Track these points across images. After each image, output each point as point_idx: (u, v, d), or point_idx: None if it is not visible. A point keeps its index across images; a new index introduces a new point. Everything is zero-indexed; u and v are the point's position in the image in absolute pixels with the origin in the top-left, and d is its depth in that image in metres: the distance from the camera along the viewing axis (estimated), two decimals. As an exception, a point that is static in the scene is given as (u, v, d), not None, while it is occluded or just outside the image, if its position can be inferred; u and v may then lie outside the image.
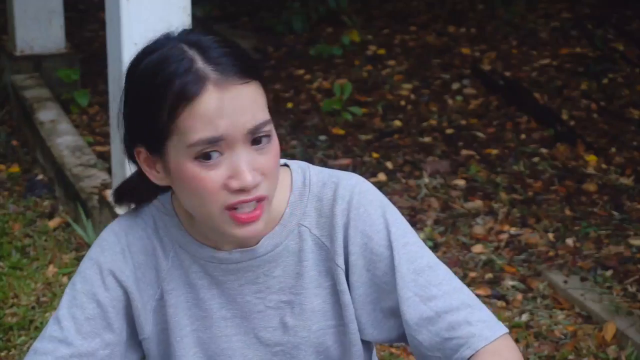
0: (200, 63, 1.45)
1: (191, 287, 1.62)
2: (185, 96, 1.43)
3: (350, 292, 1.61)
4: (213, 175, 1.45)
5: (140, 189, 1.63)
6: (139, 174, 1.60)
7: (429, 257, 1.62)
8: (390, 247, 1.60)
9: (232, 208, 1.47)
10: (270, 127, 1.48)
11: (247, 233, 1.50)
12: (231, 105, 1.44)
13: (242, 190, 1.46)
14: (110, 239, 1.68)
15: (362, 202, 1.60)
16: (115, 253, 1.64)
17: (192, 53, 1.46)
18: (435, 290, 1.56)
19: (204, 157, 1.45)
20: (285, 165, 1.64)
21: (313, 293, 1.62)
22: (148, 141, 1.50)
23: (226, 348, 1.64)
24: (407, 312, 1.56)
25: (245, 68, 1.47)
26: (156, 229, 1.62)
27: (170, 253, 1.62)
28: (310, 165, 1.65)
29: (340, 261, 1.60)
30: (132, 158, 1.56)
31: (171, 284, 1.62)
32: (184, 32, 1.52)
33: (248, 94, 1.46)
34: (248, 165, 1.45)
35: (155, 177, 1.53)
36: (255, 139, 1.46)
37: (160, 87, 1.45)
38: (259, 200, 1.48)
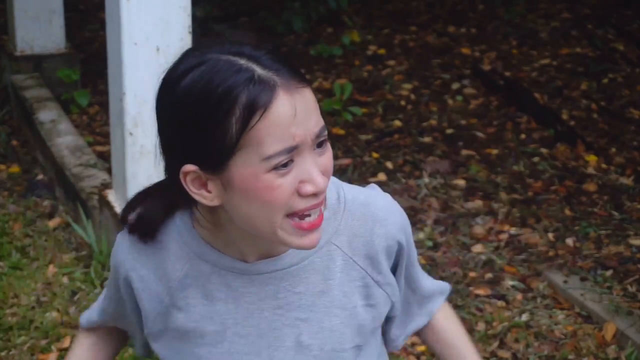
0: (260, 70, 1.39)
1: (208, 298, 1.57)
2: (259, 105, 1.36)
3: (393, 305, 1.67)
4: (286, 183, 1.40)
5: (160, 217, 1.56)
6: (159, 198, 1.56)
7: None
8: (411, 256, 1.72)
9: (296, 216, 1.43)
10: (326, 132, 1.46)
11: (309, 242, 1.46)
12: (301, 109, 1.39)
13: (312, 195, 1.42)
14: (118, 249, 1.64)
15: (399, 222, 1.67)
16: (125, 261, 1.61)
17: (245, 62, 1.40)
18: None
19: (280, 166, 1.39)
20: None
21: (333, 313, 1.58)
22: (205, 159, 1.41)
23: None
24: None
25: (300, 72, 1.43)
26: (177, 239, 1.57)
27: (186, 264, 1.56)
28: (343, 182, 1.62)
29: (378, 277, 1.60)
30: (173, 181, 1.46)
31: (185, 291, 1.58)
32: (218, 45, 1.44)
33: (310, 97, 1.42)
34: (317, 169, 1.42)
35: (205, 197, 1.44)
36: (318, 142, 1.43)
37: (223, 101, 1.36)
38: (322, 203, 1.46)
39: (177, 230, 1.56)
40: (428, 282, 1.77)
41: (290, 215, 1.42)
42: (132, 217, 1.58)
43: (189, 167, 1.41)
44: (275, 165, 1.38)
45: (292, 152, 1.38)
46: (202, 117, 1.38)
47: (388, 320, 1.70)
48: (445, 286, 1.81)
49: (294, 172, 1.40)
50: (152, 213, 1.56)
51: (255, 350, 1.59)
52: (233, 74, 1.37)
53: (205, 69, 1.39)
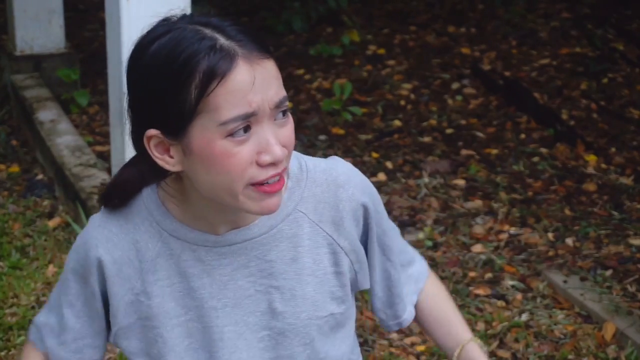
0: (223, 40, 1.44)
1: (182, 276, 1.59)
2: (217, 72, 1.41)
3: (370, 272, 1.67)
4: (244, 151, 1.44)
5: (130, 184, 1.59)
6: (132, 167, 1.58)
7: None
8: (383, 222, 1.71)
9: (259, 183, 1.47)
10: (287, 103, 1.50)
11: (270, 206, 1.49)
12: (260, 79, 1.43)
13: (271, 165, 1.46)
14: (89, 232, 1.62)
15: (363, 186, 1.67)
16: (98, 244, 1.60)
17: (210, 32, 1.45)
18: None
19: (236, 133, 1.43)
20: None
21: (305, 280, 1.61)
22: (166, 124, 1.46)
23: (217, 339, 1.62)
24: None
25: (264, 44, 1.48)
26: (148, 218, 1.59)
27: (158, 243, 1.59)
28: (304, 155, 1.66)
29: (344, 244, 1.61)
30: (138, 147, 1.52)
31: (157, 274, 1.59)
32: (187, 16, 1.51)
33: (272, 68, 1.47)
34: (275, 139, 1.46)
35: (168, 162, 1.50)
36: (277, 113, 1.47)
37: (184, 67, 1.42)
38: (283, 172, 1.50)
39: (147, 209, 1.58)
40: (407, 250, 1.78)
41: (252, 184, 1.47)
42: (106, 187, 1.63)
43: (152, 132, 1.47)
44: (230, 130, 1.42)
45: (248, 119, 1.43)
46: (164, 83, 1.44)
47: (372, 295, 1.73)
48: (421, 259, 1.82)
49: (251, 141, 1.44)
50: (123, 180, 1.59)
51: (232, 320, 1.61)
52: (196, 42, 1.43)
53: (171, 36, 1.45)
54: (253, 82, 1.42)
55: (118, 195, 1.60)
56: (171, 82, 1.43)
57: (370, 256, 1.67)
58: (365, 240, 1.67)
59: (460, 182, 4.46)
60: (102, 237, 1.59)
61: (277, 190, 1.48)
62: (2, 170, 4.67)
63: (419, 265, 1.78)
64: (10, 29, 5.41)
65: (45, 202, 4.32)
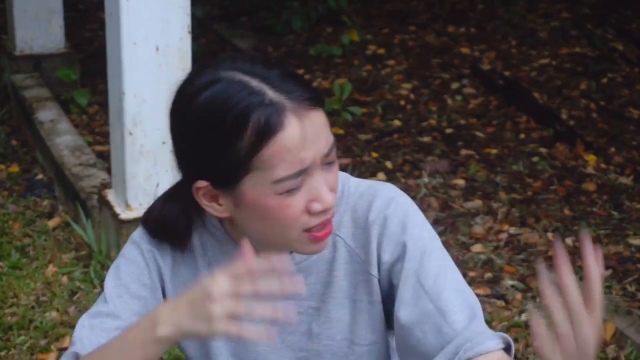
0: (271, 93, 1.40)
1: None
2: (268, 131, 1.39)
3: (396, 304, 1.57)
4: (296, 202, 1.44)
5: (181, 224, 1.60)
6: (175, 203, 1.59)
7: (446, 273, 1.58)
8: (418, 259, 1.57)
9: (313, 229, 1.48)
10: (335, 151, 1.48)
11: (319, 248, 1.52)
12: (311, 132, 1.41)
13: (323, 211, 1.47)
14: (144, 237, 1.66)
15: (397, 213, 1.58)
16: (152, 246, 1.64)
17: (257, 83, 1.41)
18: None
19: (286, 192, 1.43)
20: None
21: (340, 303, 1.61)
22: (216, 177, 1.45)
23: (252, 351, 1.64)
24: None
25: (312, 93, 1.44)
26: (204, 251, 1.62)
27: (208, 260, 1.62)
28: (351, 177, 1.64)
29: (375, 271, 1.59)
30: (187, 192, 1.51)
31: (183, 276, 1.63)
32: (230, 61, 1.46)
33: (321, 117, 1.44)
34: (326, 187, 1.46)
35: (216, 210, 1.49)
36: (327, 160, 1.47)
37: (234, 124, 1.39)
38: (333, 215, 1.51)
39: (211, 235, 1.60)
40: (457, 311, 1.53)
41: (306, 230, 1.47)
42: (152, 219, 1.64)
43: (201, 184, 1.47)
44: (285, 188, 1.42)
45: (300, 176, 1.42)
46: (213, 138, 1.41)
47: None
48: (497, 335, 1.52)
49: (303, 191, 1.44)
50: (173, 218, 1.60)
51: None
52: (245, 97, 1.39)
53: (218, 88, 1.41)
54: (305, 138, 1.40)
55: (170, 234, 1.61)
56: (221, 138, 1.40)
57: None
58: (395, 270, 1.59)
59: (460, 182, 4.46)
60: (160, 257, 1.64)
61: (327, 235, 1.50)
62: (2, 170, 4.67)
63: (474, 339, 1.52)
64: (10, 29, 5.41)
65: (45, 202, 4.31)
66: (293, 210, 1.44)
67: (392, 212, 1.57)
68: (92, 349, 1.53)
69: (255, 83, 1.40)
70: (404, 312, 1.54)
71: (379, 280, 1.59)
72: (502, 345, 1.51)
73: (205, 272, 1.60)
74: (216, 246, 1.60)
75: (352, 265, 1.60)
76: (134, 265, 1.62)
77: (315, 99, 1.43)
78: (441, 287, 1.54)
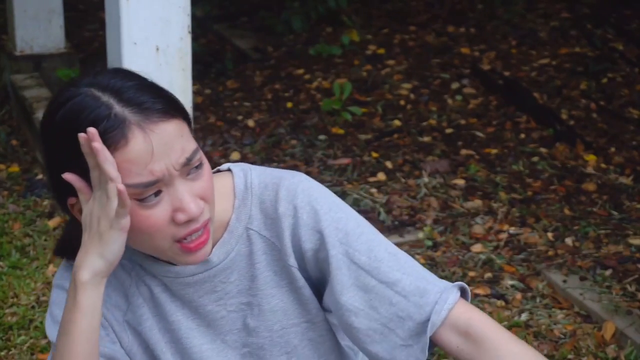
0: (117, 108, 1.43)
1: (155, 302, 1.64)
2: (112, 143, 1.42)
3: (320, 286, 1.62)
4: (158, 213, 1.46)
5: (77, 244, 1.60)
6: (71, 229, 1.61)
7: (378, 248, 1.58)
8: (339, 244, 1.58)
9: (182, 239, 1.49)
10: (200, 155, 1.49)
11: (198, 259, 1.52)
12: (159, 145, 1.43)
13: (189, 221, 1.47)
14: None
15: (306, 201, 1.58)
16: None
17: (107, 98, 1.44)
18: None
19: (147, 199, 1.45)
20: (229, 170, 1.65)
21: (269, 293, 1.63)
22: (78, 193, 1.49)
23: (198, 358, 1.66)
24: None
25: (165, 104, 1.46)
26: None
27: (132, 272, 1.63)
28: (253, 167, 1.65)
29: (292, 260, 1.61)
30: (66, 210, 1.56)
31: (138, 299, 1.64)
32: (93, 75, 1.50)
33: (173, 129, 1.45)
34: (190, 196, 1.46)
35: None
36: (189, 169, 1.47)
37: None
38: (205, 225, 1.51)
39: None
40: (405, 280, 1.55)
41: (178, 240, 1.49)
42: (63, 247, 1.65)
43: (72, 200, 1.51)
44: (137, 195, 1.44)
45: (153, 186, 1.44)
46: (67, 153, 1.46)
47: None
48: (446, 286, 1.56)
49: (164, 202, 1.46)
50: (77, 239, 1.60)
51: (209, 339, 1.65)
52: (93, 111, 1.43)
53: (71, 105, 1.46)
54: (152, 152, 1.42)
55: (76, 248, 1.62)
56: (73, 152, 1.44)
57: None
58: (323, 259, 1.60)
59: (460, 182, 4.46)
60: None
61: (201, 246, 1.50)
62: (2, 170, 4.68)
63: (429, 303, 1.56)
64: (10, 28, 5.41)
65: (45, 202, 4.32)
66: (154, 220, 1.46)
67: (300, 202, 1.58)
68: None
69: (105, 98, 1.44)
70: (347, 296, 1.56)
71: (299, 269, 1.61)
72: (459, 293, 1.55)
73: (128, 283, 1.63)
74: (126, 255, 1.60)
75: (272, 254, 1.61)
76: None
77: (168, 109, 1.45)
78: (377, 260, 1.56)
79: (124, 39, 3.36)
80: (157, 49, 3.40)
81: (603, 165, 4.61)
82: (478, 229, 4.03)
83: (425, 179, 4.46)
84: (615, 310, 3.41)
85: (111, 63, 3.52)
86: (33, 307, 3.50)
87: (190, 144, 1.47)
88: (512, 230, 4.04)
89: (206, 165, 1.51)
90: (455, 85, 5.59)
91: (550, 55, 5.99)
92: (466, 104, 5.35)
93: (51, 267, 3.74)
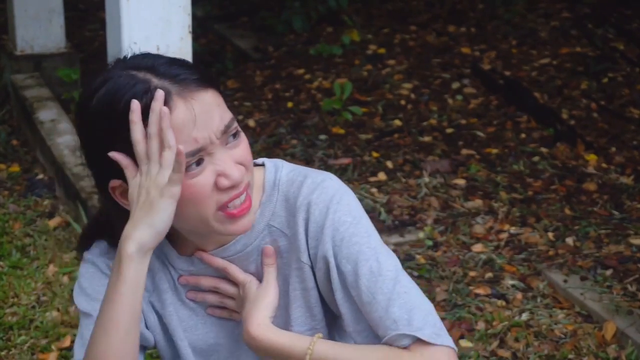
0: (156, 80, 1.47)
1: (176, 289, 1.69)
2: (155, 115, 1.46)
3: (332, 286, 1.60)
4: (201, 180, 1.50)
5: (115, 227, 1.61)
6: (109, 213, 1.63)
7: (380, 265, 1.57)
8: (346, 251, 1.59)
9: (225, 206, 1.52)
10: (236, 123, 1.54)
11: (242, 227, 1.55)
12: (201, 113, 1.47)
13: (232, 187, 1.51)
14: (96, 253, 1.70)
15: (322, 198, 1.59)
16: (106, 258, 1.69)
17: (143, 74, 1.48)
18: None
19: (189, 168, 1.48)
20: (263, 164, 1.67)
21: (283, 289, 1.65)
22: (123, 172, 1.51)
23: (214, 344, 1.70)
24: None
25: (200, 75, 1.51)
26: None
27: (160, 258, 1.67)
28: (286, 164, 1.67)
29: (305, 257, 1.62)
30: (105, 198, 1.57)
31: (164, 284, 1.69)
32: (121, 60, 1.53)
33: (211, 97, 1.50)
34: (230, 163, 1.50)
35: None
36: (229, 136, 1.52)
37: (124, 115, 1.46)
38: (245, 189, 1.54)
39: None
40: (393, 307, 1.54)
41: (220, 208, 1.52)
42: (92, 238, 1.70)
43: (114, 183, 1.54)
44: (182, 167, 1.47)
45: (196, 155, 1.48)
46: (111, 132, 1.49)
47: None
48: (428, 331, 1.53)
49: (207, 171, 1.50)
50: (104, 224, 1.66)
51: (224, 327, 1.70)
52: (130, 89, 1.46)
53: (107, 88, 1.48)
54: (194, 119, 1.47)
55: (103, 237, 1.67)
56: (116, 132, 1.47)
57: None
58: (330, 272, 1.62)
59: (461, 182, 4.45)
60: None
61: (244, 212, 1.54)
62: (3, 169, 4.67)
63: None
64: (11, 28, 5.41)
65: (46, 202, 4.32)
66: (199, 188, 1.49)
67: (316, 198, 1.59)
68: None
69: (141, 75, 1.48)
70: (338, 296, 1.59)
71: (311, 267, 1.61)
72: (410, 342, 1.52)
73: (157, 267, 1.68)
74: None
75: (290, 252, 1.63)
76: (96, 280, 1.66)
77: (203, 79, 1.50)
78: (356, 274, 1.56)
79: (125, 39, 3.36)
80: (158, 49, 3.40)
81: (604, 165, 4.61)
82: (479, 229, 4.03)
83: (426, 179, 4.46)
84: (616, 310, 3.41)
85: (111, 63, 3.52)
86: (33, 307, 3.50)
87: (227, 113, 1.53)
88: (513, 230, 4.04)
89: (243, 135, 1.55)
90: (455, 85, 5.59)
91: (550, 55, 5.99)
92: (467, 104, 5.35)
93: (51, 267, 3.74)
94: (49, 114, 4.84)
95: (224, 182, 1.50)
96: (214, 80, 1.53)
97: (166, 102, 1.45)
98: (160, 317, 1.70)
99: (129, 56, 1.54)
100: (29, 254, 3.85)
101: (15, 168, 4.68)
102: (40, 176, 4.58)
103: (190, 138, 1.47)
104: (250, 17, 6.81)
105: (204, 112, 1.48)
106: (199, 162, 1.49)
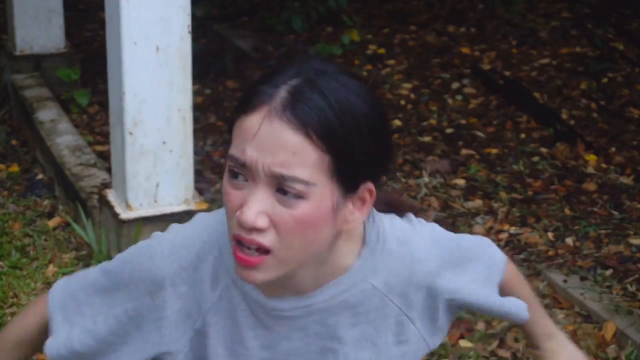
0: (284, 93, 1.35)
1: (235, 323, 1.54)
2: (242, 108, 1.37)
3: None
4: (235, 195, 1.37)
5: None
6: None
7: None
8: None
9: (237, 240, 1.39)
10: (306, 190, 1.34)
11: (244, 276, 1.40)
12: (267, 137, 1.34)
13: (243, 227, 1.37)
14: (162, 257, 1.54)
15: (443, 261, 1.66)
16: (170, 273, 1.53)
17: (296, 82, 1.36)
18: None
19: (232, 174, 1.37)
20: None
21: (362, 346, 1.56)
22: None
23: None
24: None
25: (315, 126, 1.33)
26: (219, 257, 1.52)
27: (221, 285, 1.52)
28: (383, 217, 1.57)
29: (413, 314, 1.58)
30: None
31: (216, 317, 1.54)
32: (313, 64, 1.40)
33: (294, 142, 1.33)
34: (258, 204, 1.35)
35: None
36: (280, 188, 1.34)
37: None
38: (260, 249, 1.37)
39: (219, 251, 1.52)
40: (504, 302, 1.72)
41: (234, 237, 1.39)
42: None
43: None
44: (229, 167, 1.38)
45: (242, 167, 1.36)
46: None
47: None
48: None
49: (243, 193, 1.36)
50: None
51: None
52: (278, 80, 1.37)
53: (271, 72, 1.42)
54: (255, 135, 1.34)
55: None
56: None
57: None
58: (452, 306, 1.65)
59: (460, 182, 4.45)
60: (173, 268, 1.52)
61: (243, 262, 1.39)
62: (2, 170, 4.67)
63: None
64: (10, 28, 5.41)
65: (45, 202, 4.31)
66: (230, 199, 1.38)
67: (432, 265, 1.63)
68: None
69: (293, 81, 1.36)
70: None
71: (414, 322, 1.60)
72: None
73: (208, 283, 1.53)
74: (221, 262, 1.53)
75: (384, 311, 1.55)
76: (138, 285, 1.54)
77: (300, 126, 1.33)
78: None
79: (124, 39, 3.36)
80: (157, 49, 3.40)
81: (603, 165, 4.61)
82: (478, 229, 4.03)
83: (426, 179, 4.46)
84: (615, 310, 3.41)
85: (111, 63, 3.52)
86: (33, 307, 3.50)
87: (298, 170, 1.33)
88: (513, 230, 4.04)
89: (309, 207, 1.35)
90: (455, 85, 5.59)
91: (550, 55, 5.99)
92: (466, 104, 5.35)
93: (51, 267, 3.74)
94: (48, 114, 4.84)
95: (237, 213, 1.36)
96: (305, 132, 1.33)
97: (254, 108, 1.36)
98: (200, 344, 1.56)
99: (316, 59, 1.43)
100: (28, 254, 3.85)
101: (15, 168, 4.68)
102: (40, 176, 4.58)
103: (242, 147, 1.35)
104: (250, 17, 6.81)
105: (270, 141, 1.33)
106: (236, 175, 1.37)
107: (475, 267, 1.72)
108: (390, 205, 1.63)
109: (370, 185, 1.41)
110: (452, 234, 1.80)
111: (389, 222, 1.56)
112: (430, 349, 1.63)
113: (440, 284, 1.60)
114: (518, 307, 1.73)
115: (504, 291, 1.74)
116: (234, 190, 1.38)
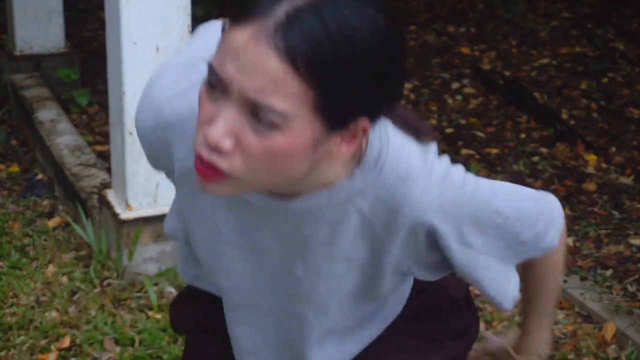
0: (281, 11, 1.22)
1: (212, 206, 1.51)
2: (236, 15, 1.27)
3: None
4: (209, 107, 1.27)
5: None
6: None
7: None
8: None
9: (196, 149, 1.31)
10: (281, 122, 1.23)
11: (201, 186, 1.32)
12: (245, 57, 1.22)
13: (205, 141, 1.28)
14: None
15: (442, 207, 1.47)
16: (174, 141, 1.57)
17: (301, 1, 1.22)
18: None
19: (210, 85, 1.27)
20: None
21: (335, 261, 1.49)
22: None
23: (224, 267, 1.55)
24: None
25: (305, 56, 1.20)
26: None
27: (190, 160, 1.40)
28: (396, 141, 1.42)
29: (393, 249, 1.49)
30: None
31: (190, 185, 1.49)
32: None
33: (276, 69, 1.21)
34: (226, 125, 1.25)
35: None
36: (254, 112, 1.24)
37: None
38: (214, 169, 1.28)
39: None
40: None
41: (195, 149, 1.31)
42: None
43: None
44: (208, 77, 1.28)
45: (219, 82, 1.26)
46: None
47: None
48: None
49: (216, 107, 1.27)
50: None
51: (243, 256, 1.54)
52: None
53: None
54: (237, 52, 1.23)
55: None
56: None
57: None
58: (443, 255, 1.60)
59: (460, 182, 4.45)
60: (178, 132, 1.54)
61: (199, 172, 1.30)
62: (2, 170, 4.67)
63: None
64: (10, 28, 5.40)
65: (45, 202, 4.31)
66: (203, 109, 1.28)
67: (425, 210, 1.46)
68: None
69: (301, 2, 1.23)
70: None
71: (392, 255, 1.51)
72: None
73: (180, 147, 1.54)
74: None
75: (362, 233, 1.47)
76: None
77: (289, 54, 1.21)
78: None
79: (124, 39, 3.36)
80: (157, 49, 3.40)
81: (604, 165, 4.61)
82: (478, 229, 4.02)
83: (426, 179, 4.46)
84: (615, 310, 3.41)
85: (111, 63, 3.52)
86: (33, 307, 3.49)
87: (278, 102, 1.22)
88: (513, 230, 4.03)
89: (283, 139, 1.24)
90: (455, 85, 5.59)
91: (550, 55, 5.99)
92: (466, 104, 5.35)
93: (50, 267, 3.73)
94: (48, 114, 4.84)
95: (206, 128, 1.27)
96: (296, 67, 1.21)
97: (240, 23, 1.24)
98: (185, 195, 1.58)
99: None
100: (28, 254, 3.85)
101: (15, 168, 4.68)
102: (40, 176, 4.58)
103: (223, 61, 1.24)
104: (250, 17, 6.80)
105: (249, 61, 1.21)
106: (212, 86, 1.26)
107: (493, 242, 1.62)
108: (407, 126, 1.46)
109: (364, 121, 1.29)
110: (501, 200, 1.65)
111: (399, 150, 1.42)
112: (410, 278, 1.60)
113: (428, 221, 1.46)
114: (502, 295, 1.71)
115: (524, 271, 1.71)
116: (209, 100, 1.28)
